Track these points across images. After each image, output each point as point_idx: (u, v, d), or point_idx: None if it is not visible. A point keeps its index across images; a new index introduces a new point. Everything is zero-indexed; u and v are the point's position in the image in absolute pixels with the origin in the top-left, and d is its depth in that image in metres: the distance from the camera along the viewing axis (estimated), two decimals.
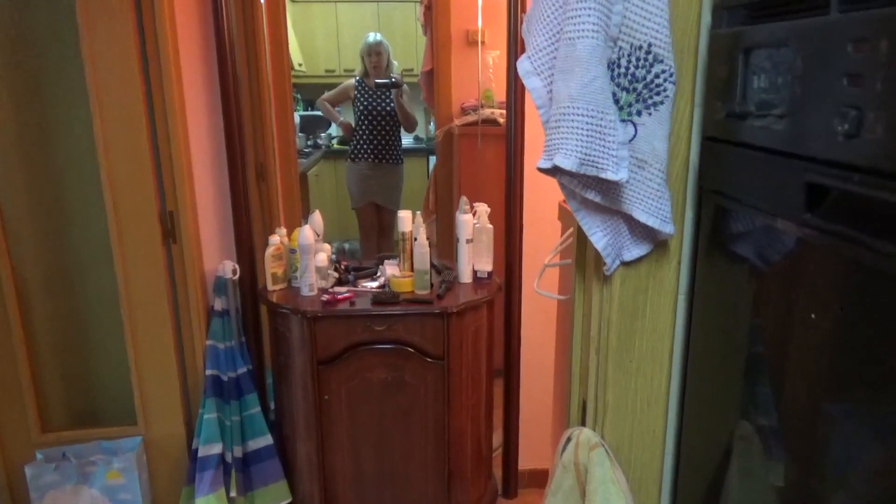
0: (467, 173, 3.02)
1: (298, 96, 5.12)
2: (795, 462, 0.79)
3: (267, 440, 2.10)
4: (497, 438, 2.37)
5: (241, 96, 2.05)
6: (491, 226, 2.13)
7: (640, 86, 0.94)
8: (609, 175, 0.90)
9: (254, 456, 2.09)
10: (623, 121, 0.95)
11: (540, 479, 2.37)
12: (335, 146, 5.04)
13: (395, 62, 3.80)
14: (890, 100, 0.58)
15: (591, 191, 0.97)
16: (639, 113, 0.95)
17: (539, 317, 2.25)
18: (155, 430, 2.10)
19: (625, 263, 1.05)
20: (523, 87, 0.95)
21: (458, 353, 2.00)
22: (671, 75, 0.94)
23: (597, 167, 0.90)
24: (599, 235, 1.01)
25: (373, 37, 3.64)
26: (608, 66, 0.92)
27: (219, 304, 2.03)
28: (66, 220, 2.00)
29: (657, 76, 0.94)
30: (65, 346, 2.07)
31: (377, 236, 3.91)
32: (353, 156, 3.77)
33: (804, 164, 0.71)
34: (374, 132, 3.69)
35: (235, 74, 2.00)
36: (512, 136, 2.10)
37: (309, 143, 5.04)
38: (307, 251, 2.03)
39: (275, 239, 2.10)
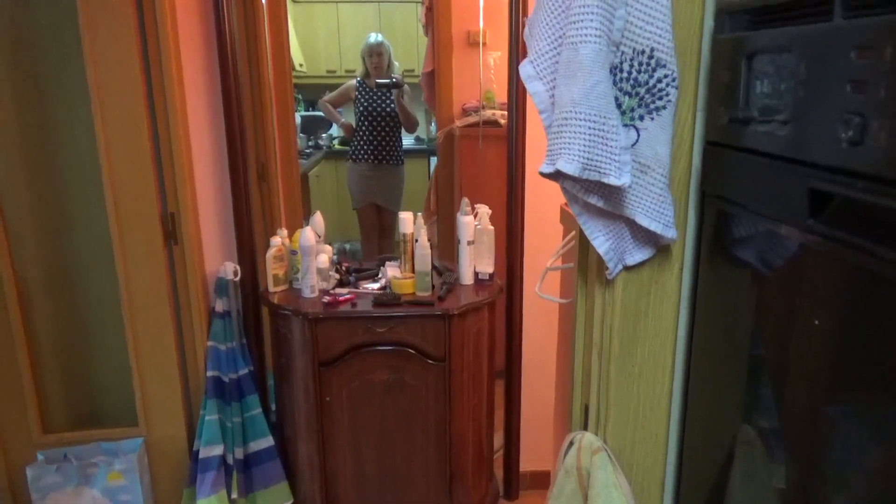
0: (468, 174, 3.02)
1: (299, 97, 5.11)
2: (799, 466, 0.79)
3: (268, 442, 2.10)
4: (498, 440, 2.37)
5: (242, 97, 2.05)
6: (492, 227, 2.13)
7: (642, 90, 0.94)
8: (611, 180, 0.90)
9: (255, 457, 2.09)
10: (625, 125, 0.95)
11: (541, 480, 2.37)
12: (336, 147, 5.04)
13: (396, 63, 3.79)
14: (894, 107, 0.58)
15: (593, 195, 0.96)
16: (641, 117, 0.95)
17: (540, 318, 2.25)
18: (156, 431, 2.10)
19: (627, 268, 1.05)
20: (524, 89, 0.95)
21: (459, 355, 2.00)
22: (674, 80, 0.94)
23: (599, 172, 0.90)
24: (602, 240, 1.01)
25: (374, 37, 3.64)
26: (611, 71, 0.92)
27: (220, 306, 2.03)
28: (68, 221, 2.00)
29: (660, 81, 0.94)
30: (66, 348, 2.07)
31: (378, 237, 3.91)
32: (353, 156, 3.76)
33: (807, 170, 0.71)
34: (375, 133, 3.69)
35: (237, 75, 2.00)
36: (513, 138, 2.10)
37: (310, 143, 5.04)
38: (308, 253, 2.03)
39: (276, 240, 2.10)
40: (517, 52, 2.02)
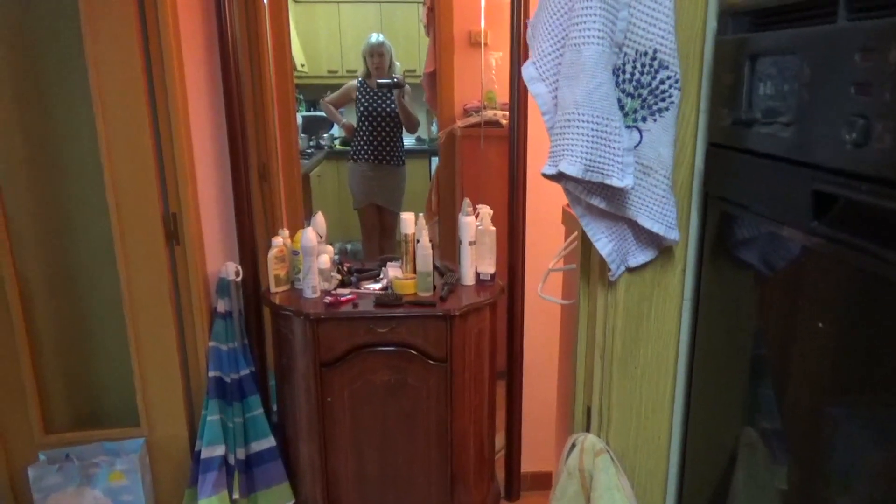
0: (470, 175, 3.02)
1: (301, 97, 5.11)
2: (801, 468, 0.79)
3: (270, 442, 2.10)
4: (499, 441, 2.37)
5: (243, 97, 2.05)
6: (493, 228, 2.13)
7: (645, 92, 0.94)
8: (614, 181, 0.90)
9: (256, 458, 2.09)
10: (628, 127, 0.95)
11: (543, 481, 2.37)
12: (337, 147, 5.04)
13: (397, 63, 3.79)
14: None
15: (596, 197, 0.96)
16: (644, 119, 0.95)
17: (542, 319, 2.25)
18: (158, 431, 2.10)
19: (630, 269, 1.05)
20: (526, 89, 0.95)
21: (460, 356, 2.00)
22: (676, 81, 0.94)
23: (602, 173, 0.90)
24: (604, 241, 1.01)
25: (375, 37, 3.64)
26: (613, 73, 0.92)
27: (221, 306, 2.03)
28: (69, 222, 2.00)
29: (662, 82, 0.94)
30: (68, 348, 2.08)
31: (379, 237, 3.91)
32: (354, 156, 3.76)
33: (811, 172, 0.71)
34: (376, 133, 3.69)
35: (238, 75, 2.00)
36: (515, 138, 2.10)
37: (311, 143, 5.04)
38: (310, 253, 2.03)
39: (278, 241, 2.10)
40: (518, 52, 2.02)
